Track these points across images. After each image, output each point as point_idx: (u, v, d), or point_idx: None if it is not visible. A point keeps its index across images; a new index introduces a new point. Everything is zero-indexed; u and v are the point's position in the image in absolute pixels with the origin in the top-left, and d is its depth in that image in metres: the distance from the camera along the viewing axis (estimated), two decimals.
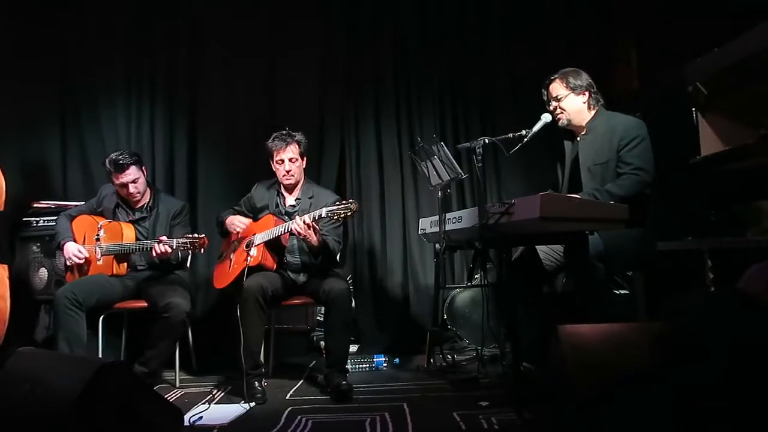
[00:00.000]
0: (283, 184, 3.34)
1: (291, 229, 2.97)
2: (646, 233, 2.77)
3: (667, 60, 3.72)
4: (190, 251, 3.18)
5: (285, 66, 4.36)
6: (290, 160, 3.26)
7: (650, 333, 1.16)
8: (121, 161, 3.26)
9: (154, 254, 3.12)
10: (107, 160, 3.30)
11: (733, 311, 1.05)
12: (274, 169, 3.34)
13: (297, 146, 3.28)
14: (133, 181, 3.31)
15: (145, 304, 3.19)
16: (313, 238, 2.99)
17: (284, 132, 3.29)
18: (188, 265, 3.53)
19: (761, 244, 2.53)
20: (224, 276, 3.28)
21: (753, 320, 0.98)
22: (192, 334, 3.48)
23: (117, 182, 3.31)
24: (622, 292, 3.54)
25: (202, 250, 3.16)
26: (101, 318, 3.15)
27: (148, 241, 3.18)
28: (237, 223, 3.29)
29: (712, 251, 2.95)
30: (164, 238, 3.13)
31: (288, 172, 3.27)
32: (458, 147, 3.18)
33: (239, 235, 3.32)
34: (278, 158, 3.26)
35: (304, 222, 2.91)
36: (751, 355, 0.92)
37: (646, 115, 3.13)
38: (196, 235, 3.09)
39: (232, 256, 3.30)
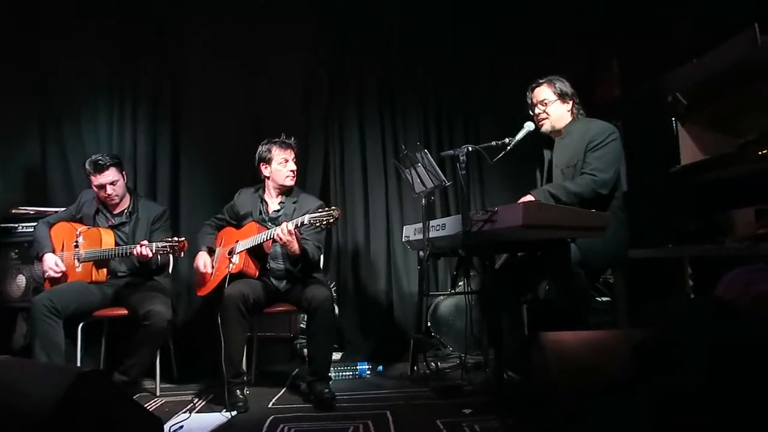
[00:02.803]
0: (284, 186, 3.33)
1: (273, 236, 2.96)
2: (619, 233, 2.80)
3: (647, 70, 3.78)
4: (170, 254, 3.14)
5: (269, 72, 4.36)
6: (293, 160, 3.30)
7: (631, 340, 1.18)
8: (100, 161, 3.24)
9: (136, 253, 3.08)
10: (87, 162, 3.29)
11: (710, 318, 1.06)
12: (268, 173, 3.32)
13: (293, 151, 3.34)
14: (112, 183, 3.28)
15: (125, 312, 3.15)
16: (294, 246, 3.00)
17: (280, 139, 3.34)
18: (170, 271, 3.50)
19: (739, 252, 2.58)
20: (206, 283, 3.25)
21: (728, 327, 1.00)
22: (173, 342, 3.44)
23: (95, 183, 3.27)
24: (604, 299, 3.57)
25: (182, 253, 3.12)
26: (80, 326, 3.10)
27: (128, 246, 3.15)
28: (202, 265, 3.24)
29: (692, 259, 3.00)
30: (145, 242, 3.10)
31: (292, 171, 3.30)
32: (442, 154, 3.19)
33: (222, 242, 3.29)
34: (282, 158, 3.28)
35: (287, 229, 2.91)
36: (727, 363, 0.93)
37: (626, 124, 3.18)
38: (175, 239, 3.07)
39: (213, 264, 3.28)
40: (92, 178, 3.27)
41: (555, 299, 3.01)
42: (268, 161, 3.30)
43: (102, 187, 3.27)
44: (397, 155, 4.09)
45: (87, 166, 3.27)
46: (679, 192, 3.33)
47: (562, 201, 2.66)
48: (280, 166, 3.28)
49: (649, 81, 3.59)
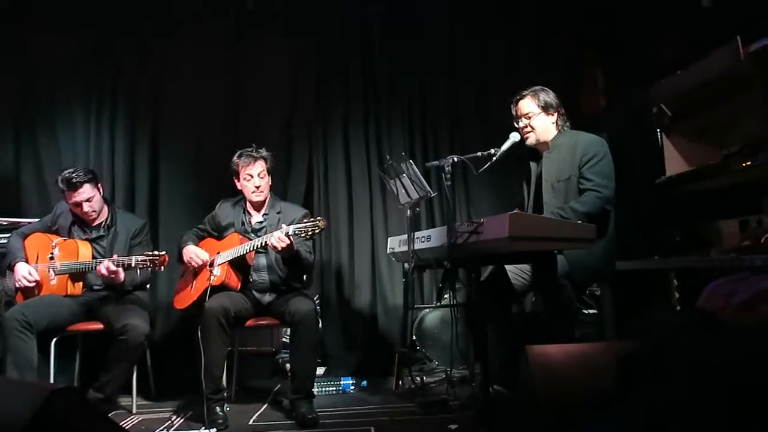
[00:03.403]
0: (252, 201, 3.32)
1: (269, 244, 2.94)
2: (608, 247, 2.82)
3: (632, 81, 3.84)
4: (149, 269, 3.09)
5: (251, 82, 4.34)
6: (259, 174, 3.25)
7: (617, 353, 1.18)
8: (74, 179, 3.14)
9: (102, 273, 3.03)
10: (59, 179, 3.19)
11: (692, 330, 1.07)
12: (240, 187, 3.32)
13: (264, 162, 3.29)
14: (88, 200, 3.21)
15: (101, 326, 3.11)
16: (292, 249, 3.00)
17: (250, 149, 3.29)
18: (148, 285, 3.46)
19: (724, 263, 2.61)
20: (186, 296, 3.22)
21: (711, 339, 1.01)
22: (150, 358, 3.39)
23: (70, 201, 3.21)
24: (591, 311, 3.60)
25: (162, 267, 3.09)
26: (53, 341, 3.05)
27: (106, 259, 3.10)
28: (194, 258, 3.18)
29: (678, 270, 3.03)
30: (116, 256, 3.06)
31: (257, 187, 3.25)
32: (427, 165, 3.20)
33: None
34: (247, 173, 3.24)
35: (280, 236, 2.89)
36: (710, 375, 0.94)
37: (612, 135, 3.21)
38: (156, 253, 3.03)
39: (194, 276, 3.25)
40: (67, 195, 3.21)
41: (541, 312, 3.02)
42: (237, 175, 3.29)
43: (78, 204, 3.21)
44: (382, 165, 4.10)
45: (60, 184, 3.19)
46: (664, 203, 3.37)
47: None
48: (245, 181, 3.27)
49: (634, 93, 3.65)
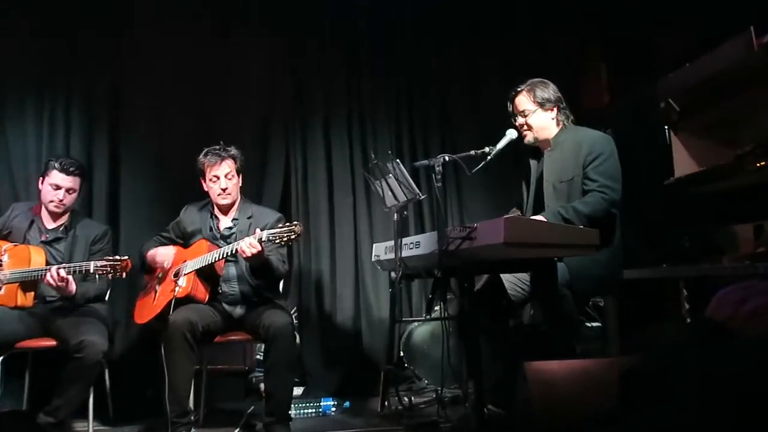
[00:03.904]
0: (218, 204, 3.31)
1: (238, 250, 2.93)
2: (613, 255, 2.85)
3: (638, 74, 3.89)
4: (110, 275, 3.07)
5: (222, 75, 4.34)
6: (226, 176, 3.24)
7: (621, 369, 1.20)
8: (72, 166, 3.29)
9: (50, 281, 3.00)
10: (57, 159, 3.31)
11: (700, 342, 1.08)
12: (206, 189, 3.32)
13: (233, 161, 3.28)
14: (70, 190, 3.29)
15: (54, 343, 3.08)
16: (262, 258, 2.99)
17: (218, 147, 3.29)
18: (107, 297, 3.43)
19: (737, 271, 2.63)
20: (148, 309, 3.20)
21: (719, 351, 1.02)
22: (109, 377, 3.35)
23: (54, 181, 3.26)
24: (594, 324, 3.62)
25: (124, 274, 3.07)
26: (0, 359, 3.02)
27: (62, 265, 3.08)
28: (159, 258, 3.21)
29: (687, 279, 3.05)
30: (61, 271, 3.03)
31: (224, 190, 3.24)
32: (416, 165, 3.21)
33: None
34: (212, 174, 3.24)
35: (251, 242, 2.88)
36: (718, 389, 0.95)
37: (616, 133, 3.24)
38: (117, 257, 3.02)
39: (157, 287, 3.23)
40: (52, 174, 3.26)
41: (540, 324, 3.04)
42: (203, 176, 3.29)
43: (59, 188, 3.26)
44: (367, 165, 4.10)
45: (54, 162, 3.28)
46: (672, 207, 3.40)
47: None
48: (211, 183, 3.27)
49: (640, 87, 3.69)
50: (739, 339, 1.09)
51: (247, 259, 2.98)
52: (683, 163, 3.27)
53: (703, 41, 3.09)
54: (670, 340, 1.14)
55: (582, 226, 2.62)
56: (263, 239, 2.89)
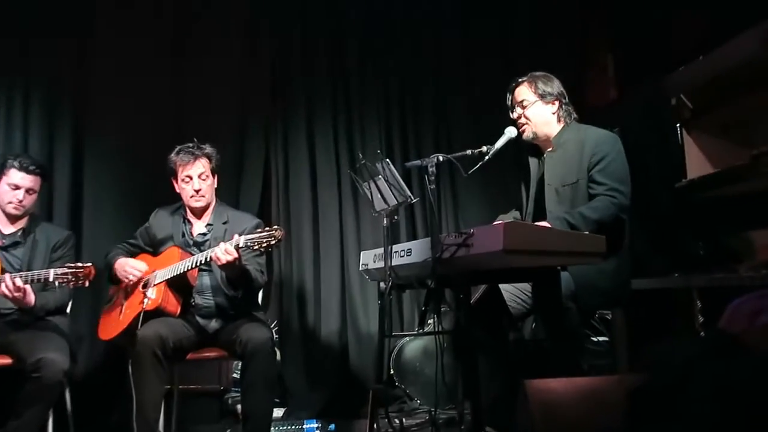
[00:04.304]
0: (191, 208, 3.30)
1: (211, 258, 2.92)
2: (621, 265, 2.85)
3: (647, 68, 3.91)
4: (72, 284, 3.04)
5: (196, 68, 4.34)
6: (200, 176, 3.23)
7: (630, 387, 1.19)
8: (32, 166, 3.27)
9: (6, 291, 2.97)
10: (15, 157, 3.30)
11: (712, 357, 1.08)
12: (178, 191, 3.31)
13: (207, 161, 3.27)
14: (30, 191, 3.28)
15: (9, 361, 3.04)
16: (237, 267, 2.97)
17: (191, 144, 3.28)
18: (68, 309, 3.40)
19: (755, 281, 2.65)
20: (113, 324, 3.18)
21: (734, 367, 1.02)
22: (71, 399, 3.31)
23: (12, 181, 3.23)
24: (601, 339, 3.63)
25: (87, 282, 3.05)
26: None
27: (19, 274, 3.06)
28: (129, 269, 3.19)
29: (701, 289, 3.06)
30: (21, 275, 3.00)
31: (197, 191, 3.23)
32: (407, 165, 3.20)
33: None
34: (185, 175, 3.23)
35: (226, 248, 2.87)
36: (733, 408, 0.95)
37: (624, 131, 3.25)
38: (80, 264, 2.99)
39: (124, 300, 3.22)
40: (10, 173, 3.24)
41: (543, 340, 3.03)
42: (175, 176, 3.28)
43: (17, 188, 3.24)
44: (354, 166, 4.10)
45: (13, 161, 3.27)
46: (685, 211, 3.41)
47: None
48: (184, 183, 3.26)
49: (650, 82, 3.70)
50: (756, 353, 1.08)
51: (222, 267, 2.96)
52: (696, 164, 3.29)
53: (718, 31, 3.11)
54: (681, 354, 1.13)
55: (588, 233, 2.62)
56: (240, 245, 2.87)
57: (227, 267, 2.94)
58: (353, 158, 4.29)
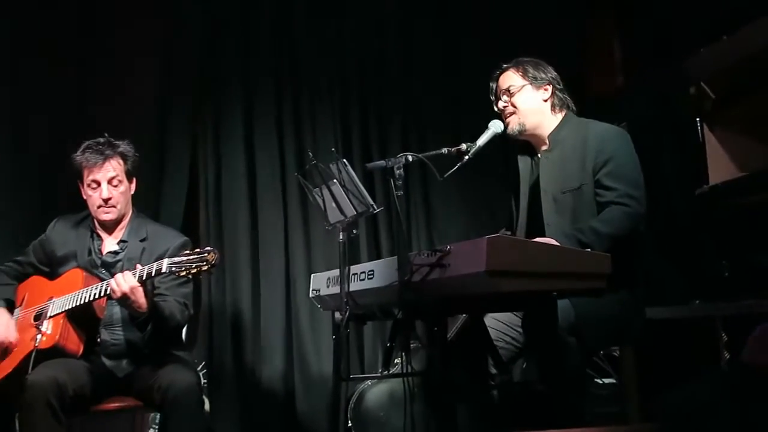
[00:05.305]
0: (99, 220, 3.24)
1: (107, 291, 2.88)
2: (634, 293, 2.87)
3: (660, 51, 3.96)
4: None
5: (109, 51, 4.32)
6: (110, 181, 3.18)
7: None
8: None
9: None
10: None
11: (736, 394, 1.09)
12: (84, 198, 3.25)
13: (121, 161, 3.23)
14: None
15: None
16: (139, 302, 2.91)
17: (101, 141, 3.23)
18: None
19: None
20: None
21: (759, 405, 1.02)
22: None
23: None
24: (607, 381, 3.65)
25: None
26: None
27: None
28: (2, 330, 3.08)
29: (726, 319, 3.10)
30: None
31: (107, 201, 3.18)
32: (369, 167, 3.20)
33: (24, 301, 3.18)
34: (91, 179, 3.17)
35: (124, 279, 2.82)
36: None
37: (632, 126, 3.29)
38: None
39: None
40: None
41: (536, 382, 3.04)
42: (81, 179, 3.24)
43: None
44: (302, 168, 4.08)
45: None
46: (707, 223, 3.46)
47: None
48: (90, 190, 3.21)
49: (663, 67, 3.76)
50: None
51: (119, 302, 2.92)
52: (720, 167, 3.33)
53: (747, 4, 3.16)
54: (701, 399, 1.13)
55: (588, 250, 2.62)
56: (163, 270, 2.81)
57: (124, 302, 2.89)
58: (302, 159, 4.29)
